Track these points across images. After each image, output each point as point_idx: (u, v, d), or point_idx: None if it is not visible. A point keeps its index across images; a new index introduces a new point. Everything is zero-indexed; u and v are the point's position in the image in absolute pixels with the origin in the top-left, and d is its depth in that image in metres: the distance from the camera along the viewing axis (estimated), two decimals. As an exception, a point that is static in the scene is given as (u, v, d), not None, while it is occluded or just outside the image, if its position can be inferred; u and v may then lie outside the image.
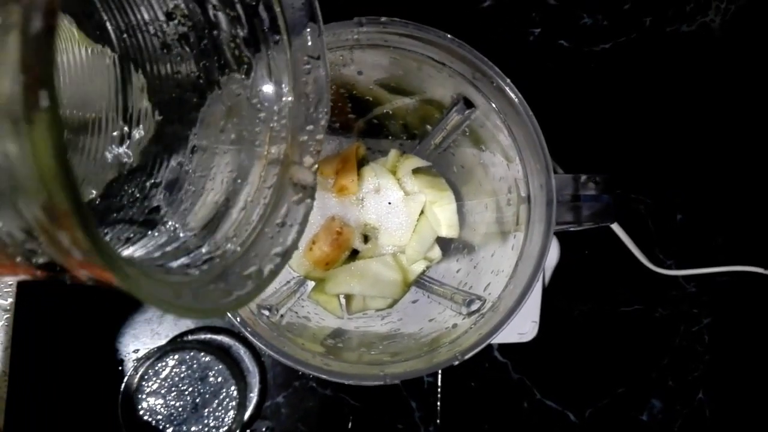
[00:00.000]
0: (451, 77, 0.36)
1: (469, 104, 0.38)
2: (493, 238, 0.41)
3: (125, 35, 0.26)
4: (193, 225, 0.26)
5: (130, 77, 0.27)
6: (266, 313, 0.37)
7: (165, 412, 0.46)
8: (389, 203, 0.43)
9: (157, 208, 0.26)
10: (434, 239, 0.44)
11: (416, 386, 0.52)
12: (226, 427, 0.47)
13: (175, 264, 0.24)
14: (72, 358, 0.47)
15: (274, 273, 0.25)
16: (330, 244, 0.42)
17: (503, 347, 0.53)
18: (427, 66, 0.36)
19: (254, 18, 0.26)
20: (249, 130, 0.28)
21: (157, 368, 0.47)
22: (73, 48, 0.25)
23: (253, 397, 0.49)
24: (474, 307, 0.38)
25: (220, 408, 0.47)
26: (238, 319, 0.32)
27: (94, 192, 0.26)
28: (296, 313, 0.42)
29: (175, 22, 0.26)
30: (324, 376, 0.32)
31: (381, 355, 0.37)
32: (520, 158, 0.36)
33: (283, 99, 0.28)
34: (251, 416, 0.49)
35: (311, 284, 0.44)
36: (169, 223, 0.26)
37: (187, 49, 0.27)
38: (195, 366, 0.47)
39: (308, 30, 0.27)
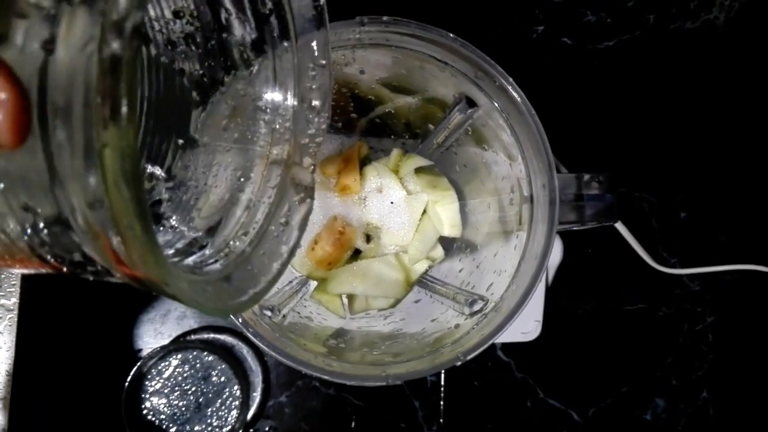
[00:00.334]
0: (454, 76, 0.36)
1: (471, 103, 0.38)
2: (495, 238, 0.41)
3: None
4: (198, 222, 0.27)
5: None
6: (268, 313, 0.37)
7: (168, 412, 0.46)
8: (392, 203, 0.43)
9: (159, 202, 0.27)
10: (437, 239, 0.44)
11: (419, 385, 0.52)
12: (229, 427, 0.47)
13: (189, 262, 0.24)
14: (75, 358, 0.48)
15: (282, 269, 0.26)
16: (332, 243, 0.42)
17: (506, 346, 0.53)
18: (429, 65, 0.36)
19: (265, 24, 0.27)
20: (252, 130, 0.29)
21: (160, 368, 0.47)
22: None
23: (256, 396, 0.49)
24: (476, 307, 0.38)
25: (223, 407, 0.47)
26: (240, 319, 0.32)
27: None
28: (298, 313, 0.42)
29: (183, 21, 0.26)
30: (326, 377, 0.32)
31: (383, 356, 0.37)
32: (522, 157, 0.36)
33: (287, 102, 0.28)
34: (254, 415, 0.49)
35: (314, 284, 0.44)
36: (173, 218, 0.26)
37: (193, 48, 0.27)
38: (198, 365, 0.47)
39: (316, 38, 0.27)
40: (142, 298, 0.50)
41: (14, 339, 0.40)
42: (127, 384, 0.46)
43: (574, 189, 0.36)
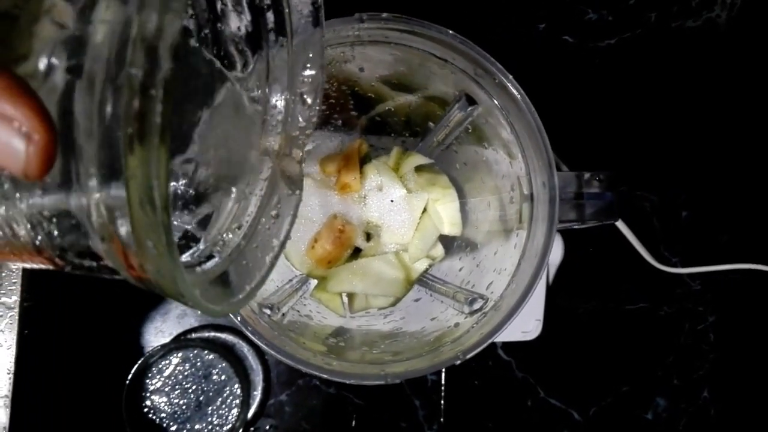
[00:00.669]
0: (453, 74, 0.36)
1: (471, 101, 0.38)
2: (495, 236, 0.41)
3: None
4: (188, 216, 0.27)
5: None
6: (268, 311, 0.37)
7: (169, 410, 0.46)
8: (392, 201, 0.43)
9: None
10: (437, 237, 0.44)
11: (420, 385, 0.52)
12: (229, 425, 0.47)
13: (185, 258, 0.24)
14: (76, 356, 0.48)
15: (274, 261, 0.27)
16: (332, 242, 0.42)
17: (507, 345, 0.53)
18: (429, 62, 0.36)
19: (260, 18, 0.27)
20: (244, 121, 0.29)
21: (161, 366, 0.47)
22: None
23: (257, 395, 0.49)
24: (476, 305, 0.38)
25: (223, 406, 0.47)
26: (239, 317, 0.32)
27: None
28: (298, 311, 0.42)
29: None
30: (325, 376, 0.32)
31: (383, 355, 0.37)
32: (522, 155, 0.36)
33: (280, 95, 0.28)
34: (255, 414, 0.49)
35: (313, 283, 0.44)
36: None
37: (186, 37, 0.27)
38: (199, 364, 0.47)
39: (311, 35, 0.28)
40: (143, 296, 0.50)
41: (15, 337, 0.40)
42: (127, 382, 0.46)
43: (574, 187, 0.35)
